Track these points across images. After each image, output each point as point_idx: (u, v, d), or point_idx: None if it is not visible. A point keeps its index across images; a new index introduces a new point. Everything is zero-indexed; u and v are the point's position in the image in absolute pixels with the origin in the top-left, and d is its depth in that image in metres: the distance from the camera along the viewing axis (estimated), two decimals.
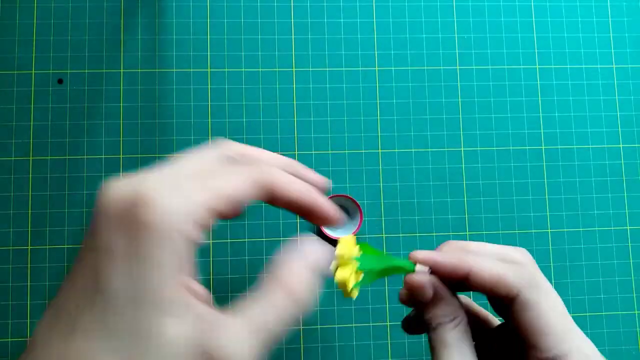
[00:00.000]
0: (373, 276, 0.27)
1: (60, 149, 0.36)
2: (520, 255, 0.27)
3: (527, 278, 0.25)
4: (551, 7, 0.40)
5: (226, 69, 0.38)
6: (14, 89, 0.36)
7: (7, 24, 0.37)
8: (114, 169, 0.36)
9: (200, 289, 0.18)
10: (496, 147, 0.38)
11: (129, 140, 0.37)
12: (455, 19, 0.39)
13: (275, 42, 0.38)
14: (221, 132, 0.37)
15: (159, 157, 0.37)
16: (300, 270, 0.20)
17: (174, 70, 0.37)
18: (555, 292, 0.26)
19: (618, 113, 0.39)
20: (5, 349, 0.35)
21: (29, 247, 0.35)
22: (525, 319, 0.25)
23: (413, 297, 0.26)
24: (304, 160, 0.37)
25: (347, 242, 0.25)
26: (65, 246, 0.36)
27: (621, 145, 0.39)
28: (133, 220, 0.17)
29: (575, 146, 0.39)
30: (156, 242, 0.17)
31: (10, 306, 0.35)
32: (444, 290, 0.27)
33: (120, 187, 0.18)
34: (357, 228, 0.35)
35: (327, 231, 0.33)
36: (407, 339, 0.36)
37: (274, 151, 0.37)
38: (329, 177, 0.37)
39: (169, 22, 0.38)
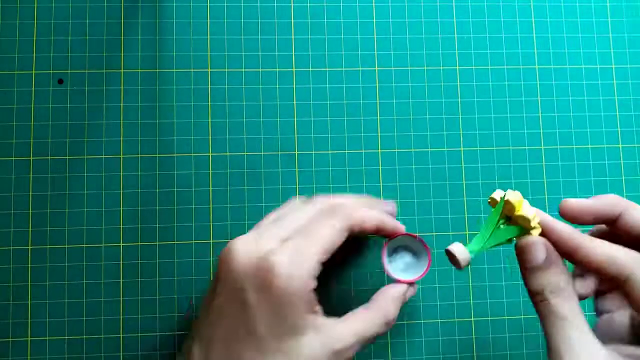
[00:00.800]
0: (488, 243, 0.27)
1: (60, 149, 0.36)
2: None
3: (638, 258, 0.24)
4: (551, 7, 0.40)
5: (226, 69, 0.38)
6: (14, 89, 0.36)
7: (7, 24, 0.37)
8: (114, 169, 0.36)
9: (319, 309, 0.27)
10: (496, 147, 0.38)
11: (129, 140, 0.37)
12: (454, 19, 0.39)
13: (275, 42, 0.38)
14: (221, 132, 0.37)
15: (159, 157, 0.37)
16: (394, 300, 0.30)
17: (174, 70, 0.37)
18: None
19: (617, 113, 0.39)
20: (5, 349, 0.35)
21: (29, 247, 0.35)
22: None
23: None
24: (304, 160, 0.37)
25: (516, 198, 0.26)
26: (66, 246, 0.36)
27: (620, 146, 0.39)
28: (269, 288, 0.25)
29: (574, 146, 0.39)
30: (287, 300, 0.25)
31: (11, 306, 0.35)
32: (557, 255, 0.25)
33: (248, 254, 0.27)
34: (425, 271, 0.31)
35: (394, 274, 0.31)
36: (407, 339, 0.36)
37: (274, 151, 0.37)
38: (328, 177, 0.37)
39: (169, 22, 0.38)
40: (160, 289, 0.36)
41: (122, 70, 0.37)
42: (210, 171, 0.37)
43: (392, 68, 0.38)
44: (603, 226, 0.28)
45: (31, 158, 0.36)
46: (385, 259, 0.32)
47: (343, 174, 0.37)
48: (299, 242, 0.27)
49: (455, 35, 0.39)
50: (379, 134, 0.38)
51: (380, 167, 0.38)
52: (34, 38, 0.37)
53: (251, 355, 0.26)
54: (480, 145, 0.38)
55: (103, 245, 0.36)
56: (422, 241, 0.32)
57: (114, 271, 0.36)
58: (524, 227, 0.26)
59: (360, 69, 0.38)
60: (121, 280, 0.36)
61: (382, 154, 0.38)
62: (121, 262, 0.36)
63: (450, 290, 0.37)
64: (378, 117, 0.38)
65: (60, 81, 0.37)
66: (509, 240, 0.27)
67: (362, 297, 0.36)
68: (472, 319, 0.37)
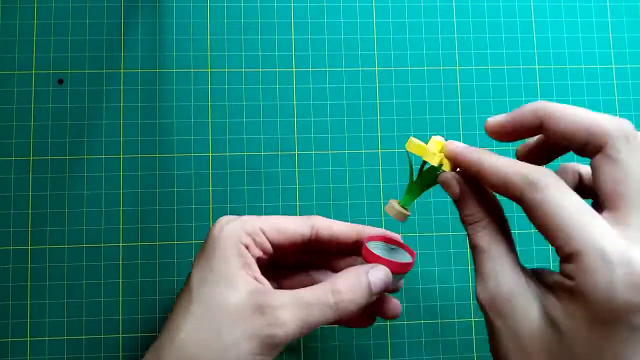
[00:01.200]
0: (416, 190, 0.28)
1: (61, 149, 0.36)
2: (606, 125, 0.22)
3: (624, 128, 0.22)
4: (550, 7, 0.40)
5: (226, 69, 0.38)
6: (14, 89, 0.36)
7: (7, 24, 0.37)
8: (114, 169, 0.36)
9: (262, 278, 0.27)
10: (496, 147, 0.38)
11: (129, 140, 0.37)
12: (454, 19, 0.39)
13: (275, 42, 0.38)
14: (221, 132, 0.37)
15: (159, 157, 0.37)
16: (354, 283, 0.26)
17: (174, 70, 0.37)
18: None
19: (617, 113, 0.39)
20: (5, 349, 0.35)
21: (29, 247, 0.35)
22: (606, 176, 0.22)
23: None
24: (304, 160, 0.37)
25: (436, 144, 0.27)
26: (66, 246, 0.36)
27: None
28: (207, 237, 0.28)
29: None
30: (216, 246, 0.27)
31: (11, 306, 0.35)
32: (469, 188, 0.26)
33: (227, 220, 0.28)
34: (411, 263, 0.29)
35: (375, 251, 0.28)
36: (407, 339, 0.36)
37: (274, 151, 0.37)
38: (328, 177, 0.37)
39: (169, 22, 0.38)
40: (160, 289, 0.36)
41: (122, 70, 0.37)
42: (210, 171, 0.37)
43: (392, 68, 0.38)
44: (537, 138, 0.27)
45: (31, 158, 0.36)
46: (368, 249, 0.28)
47: (343, 174, 0.37)
48: (254, 216, 0.29)
49: (455, 35, 0.39)
50: (379, 134, 0.38)
51: (380, 167, 0.38)
52: (34, 38, 0.37)
53: (183, 305, 0.26)
54: (480, 145, 0.38)
55: (103, 245, 0.36)
56: (399, 243, 0.30)
57: (113, 271, 0.36)
58: (437, 165, 0.26)
59: (360, 69, 0.38)
60: (121, 280, 0.36)
61: (382, 154, 0.38)
62: (121, 262, 0.36)
63: (450, 290, 0.37)
64: (378, 117, 0.38)
65: (60, 81, 0.37)
66: (434, 182, 0.27)
67: None
68: (472, 319, 0.37)
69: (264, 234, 0.28)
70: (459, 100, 0.38)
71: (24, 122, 0.36)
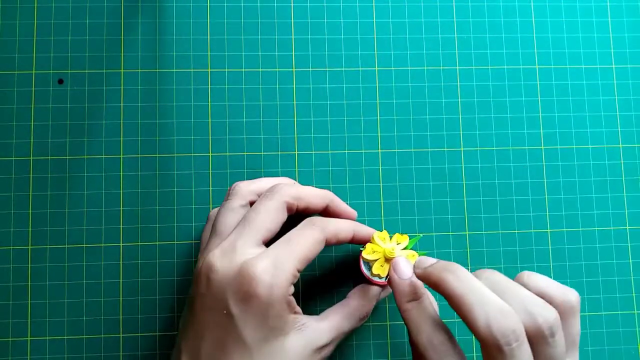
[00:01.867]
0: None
1: (61, 149, 0.36)
2: (541, 310, 0.24)
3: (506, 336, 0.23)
4: (551, 7, 0.40)
5: (226, 69, 0.38)
6: (14, 89, 0.36)
7: (7, 24, 0.37)
8: (114, 169, 0.36)
9: (297, 306, 0.29)
10: (496, 147, 0.38)
11: (129, 140, 0.37)
12: (455, 19, 0.39)
13: (275, 42, 0.38)
14: (221, 132, 0.37)
15: (159, 157, 0.37)
16: (370, 299, 0.32)
17: (174, 70, 0.37)
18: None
19: (617, 113, 0.39)
20: (5, 349, 0.35)
21: (29, 247, 0.35)
22: None
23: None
24: (304, 160, 0.37)
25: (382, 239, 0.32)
26: (66, 246, 0.36)
27: (620, 146, 0.39)
28: (251, 297, 0.27)
29: (574, 146, 0.39)
30: (269, 307, 0.27)
31: (11, 306, 0.35)
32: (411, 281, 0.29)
33: (226, 264, 0.28)
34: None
35: (372, 278, 0.33)
36: (407, 339, 0.36)
37: (274, 151, 0.37)
38: (328, 177, 0.37)
39: (169, 22, 0.38)
40: (160, 289, 0.36)
41: (122, 70, 0.37)
42: (210, 171, 0.37)
43: (392, 68, 0.38)
44: None
45: (31, 158, 0.36)
46: (362, 264, 0.33)
47: (343, 174, 0.37)
48: (278, 251, 0.28)
49: (455, 35, 0.39)
50: (379, 134, 0.38)
51: (380, 167, 0.38)
52: (34, 38, 0.37)
53: None
54: (480, 145, 0.38)
55: (103, 245, 0.36)
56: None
57: (113, 271, 0.36)
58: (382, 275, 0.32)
59: (360, 69, 0.38)
60: (121, 280, 0.36)
61: (382, 154, 0.38)
62: (121, 262, 0.36)
63: None
64: (378, 117, 0.38)
65: (60, 81, 0.37)
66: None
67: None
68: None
69: (299, 271, 0.29)
70: (459, 100, 0.38)
71: (24, 122, 0.36)
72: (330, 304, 0.36)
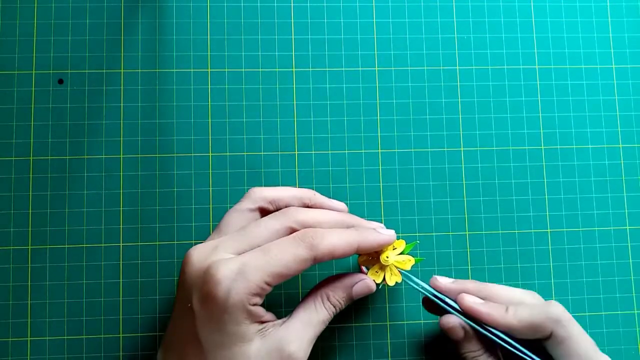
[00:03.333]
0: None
1: (61, 149, 0.36)
2: (530, 298, 0.32)
3: (554, 315, 0.30)
4: (551, 7, 0.40)
5: (226, 69, 0.38)
6: (14, 89, 0.36)
7: (7, 24, 0.37)
8: (114, 169, 0.36)
9: (264, 313, 0.28)
10: (496, 147, 0.38)
11: (129, 140, 0.37)
12: (455, 19, 0.39)
13: (275, 42, 0.38)
14: (221, 132, 0.37)
15: (159, 157, 0.37)
16: (343, 292, 0.30)
17: (174, 70, 0.37)
18: (579, 328, 0.30)
19: (617, 113, 0.39)
20: (5, 349, 0.35)
21: (29, 247, 0.35)
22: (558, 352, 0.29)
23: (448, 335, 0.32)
24: (304, 160, 0.37)
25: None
26: (66, 246, 0.36)
27: (620, 146, 0.39)
28: (209, 297, 0.26)
29: (574, 146, 0.39)
30: (225, 311, 0.26)
31: (11, 306, 0.35)
32: (471, 331, 0.32)
33: (201, 260, 0.28)
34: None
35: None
36: (407, 339, 0.36)
37: (274, 151, 0.37)
38: (328, 177, 0.37)
39: (169, 22, 0.38)
40: (160, 288, 0.36)
41: (122, 70, 0.37)
42: (210, 171, 0.37)
43: (392, 68, 0.38)
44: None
45: (31, 158, 0.36)
46: (364, 267, 0.32)
47: (343, 174, 0.37)
48: (251, 259, 0.27)
49: (455, 35, 0.39)
50: (379, 134, 0.38)
51: (380, 167, 0.38)
52: (34, 38, 0.37)
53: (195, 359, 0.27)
54: (480, 145, 0.38)
55: (103, 245, 0.36)
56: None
57: (113, 271, 0.36)
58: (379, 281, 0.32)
59: (360, 69, 0.38)
60: (121, 280, 0.36)
61: (382, 154, 0.38)
62: (121, 262, 0.36)
63: None
64: (378, 117, 0.38)
65: (60, 81, 0.37)
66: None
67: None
68: None
69: (268, 284, 0.27)
70: (459, 100, 0.38)
71: (24, 122, 0.36)
72: None
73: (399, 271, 0.32)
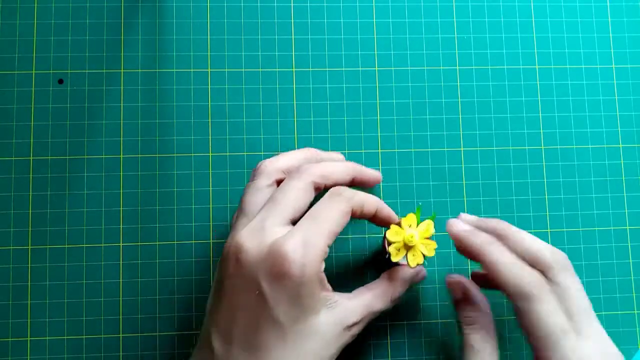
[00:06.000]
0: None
1: (61, 149, 0.36)
2: (549, 257, 0.30)
3: (528, 287, 0.28)
4: (551, 7, 0.40)
5: (226, 69, 0.38)
6: (14, 89, 0.36)
7: (7, 24, 0.37)
8: (114, 169, 0.36)
9: (327, 283, 0.28)
10: (496, 147, 0.38)
11: (129, 140, 0.37)
12: (455, 19, 0.39)
13: (275, 42, 0.38)
14: (221, 132, 0.37)
15: (159, 157, 0.37)
16: (398, 281, 0.32)
17: (174, 70, 0.37)
18: (551, 306, 0.28)
19: (618, 113, 0.39)
20: (5, 349, 0.35)
21: (29, 247, 0.35)
22: (522, 321, 0.29)
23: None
24: None
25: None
26: (66, 246, 0.36)
27: (620, 145, 0.39)
28: (284, 276, 0.26)
29: (574, 146, 0.39)
30: (302, 285, 0.27)
31: (11, 306, 0.35)
32: (470, 294, 0.33)
33: (256, 244, 0.27)
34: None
35: (401, 261, 0.33)
36: (407, 339, 0.36)
37: (274, 151, 0.37)
38: None
39: (169, 22, 0.38)
40: (160, 288, 0.36)
41: (122, 70, 0.37)
42: (210, 171, 0.37)
43: (392, 68, 0.38)
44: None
45: (31, 158, 0.36)
46: (387, 245, 0.32)
47: None
48: (307, 228, 0.28)
49: (455, 35, 0.39)
50: (379, 134, 0.38)
51: (380, 167, 0.38)
52: (34, 38, 0.37)
53: (273, 342, 0.27)
54: (480, 145, 0.38)
55: (103, 245, 0.36)
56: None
57: (113, 271, 0.36)
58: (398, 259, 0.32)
59: (360, 69, 0.38)
60: (121, 280, 0.36)
61: (382, 154, 0.38)
62: (121, 262, 0.36)
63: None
64: (378, 117, 0.38)
65: (61, 81, 0.37)
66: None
67: None
68: None
69: (328, 246, 0.28)
70: (459, 100, 0.38)
71: (24, 122, 0.36)
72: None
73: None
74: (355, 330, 0.29)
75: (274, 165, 0.32)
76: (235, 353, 0.27)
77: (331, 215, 0.28)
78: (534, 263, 0.29)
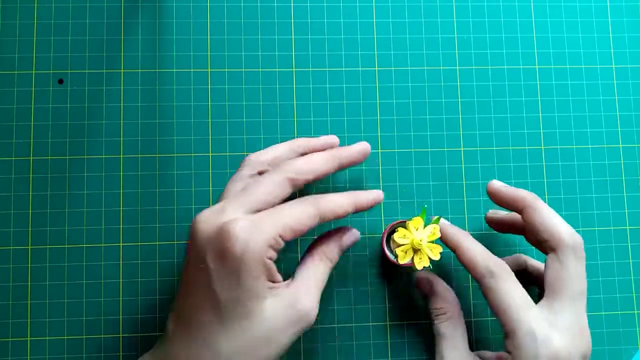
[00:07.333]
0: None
1: (61, 149, 0.36)
2: (563, 234, 0.31)
3: (576, 241, 0.30)
4: (551, 7, 0.40)
5: (226, 69, 0.38)
6: (14, 89, 0.36)
7: (7, 24, 0.37)
8: (114, 169, 0.36)
9: (277, 272, 0.28)
10: (496, 147, 0.38)
11: (129, 140, 0.37)
12: (455, 19, 0.39)
13: (275, 42, 0.38)
14: (221, 132, 0.37)
15: (159, 157, 0.37)
16: (335, 245, 0.32)
17: (174, 70, 0.37)
18: (512, 284, 0.30)
19: (617, 113, 0.39)
20: (5, 349, 0.35)
21: (29, 247, 0.35)
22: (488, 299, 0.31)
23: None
24: None
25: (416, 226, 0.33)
26: (66, 246, 0.36)
27: (620, 145, 0.39)
28: (226, 253, 0.27)
29: (574, 146, 0.39)
30: (243, 265, 0.27)
31: (11, 306, 0.35)
32: (438, 287, 0.34)
33: (210, 222, 0.28)
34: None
35: (391, 257, 0.34)
36: (407, 339, 0.36)
37: None
38: (328, 177, 0.37)
39: (169, 22, 0.38)
40: (160, 288, 0.36)
41: (122, 70, 0.37)
42: (210, 171, 0.37)
43: (392, 68, 0.38)
44: (509, 214, 0.36)
45: (31, 158, 0.36)
46: (384, 244, 0.33)
47: (343, 174, 0.37)
48: (263, 216, 0.28)
49: (455, 35, 0.39)
50: (379, 134, 0.38)
51: (380, 167, 0.38)
52: (34, 38, 0.37)
53: (211, 322, 0.27)
54: (480, 145, 0.38)
55: (103, 245, 0.36)
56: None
57: (113, 271, 0.36)
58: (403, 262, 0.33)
59: (360, 69, 0.38)
60: (121, 280, 0.36)
61: (382, 154, 0.38)
62: (121, 262, 0.36)
63: None
64: (378, 117, 0.38)
65: (61, 81, 0.37)
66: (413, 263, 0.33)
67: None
68: (472, 319, 0.37)
69: (282, 238, 0.28)
70: (459, 100, 0.38)
71: (24, 122, 0.36)
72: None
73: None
74: (311, 314, 0.28)
75: (259, 158, 0.32)
76: (178, 333, 0.28)
77: (293, 212, 0.28)
78: (548, 237, 0.31)
